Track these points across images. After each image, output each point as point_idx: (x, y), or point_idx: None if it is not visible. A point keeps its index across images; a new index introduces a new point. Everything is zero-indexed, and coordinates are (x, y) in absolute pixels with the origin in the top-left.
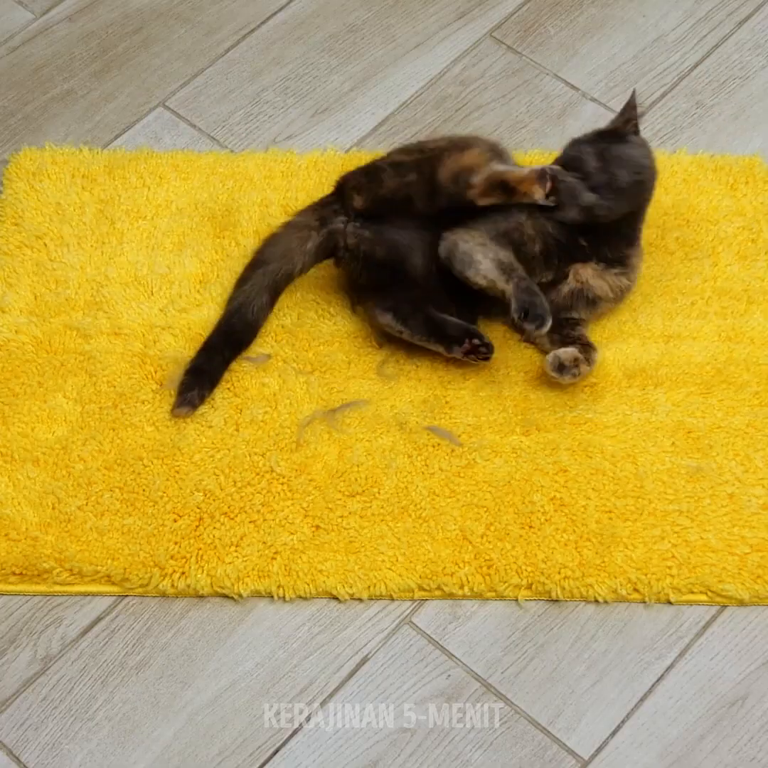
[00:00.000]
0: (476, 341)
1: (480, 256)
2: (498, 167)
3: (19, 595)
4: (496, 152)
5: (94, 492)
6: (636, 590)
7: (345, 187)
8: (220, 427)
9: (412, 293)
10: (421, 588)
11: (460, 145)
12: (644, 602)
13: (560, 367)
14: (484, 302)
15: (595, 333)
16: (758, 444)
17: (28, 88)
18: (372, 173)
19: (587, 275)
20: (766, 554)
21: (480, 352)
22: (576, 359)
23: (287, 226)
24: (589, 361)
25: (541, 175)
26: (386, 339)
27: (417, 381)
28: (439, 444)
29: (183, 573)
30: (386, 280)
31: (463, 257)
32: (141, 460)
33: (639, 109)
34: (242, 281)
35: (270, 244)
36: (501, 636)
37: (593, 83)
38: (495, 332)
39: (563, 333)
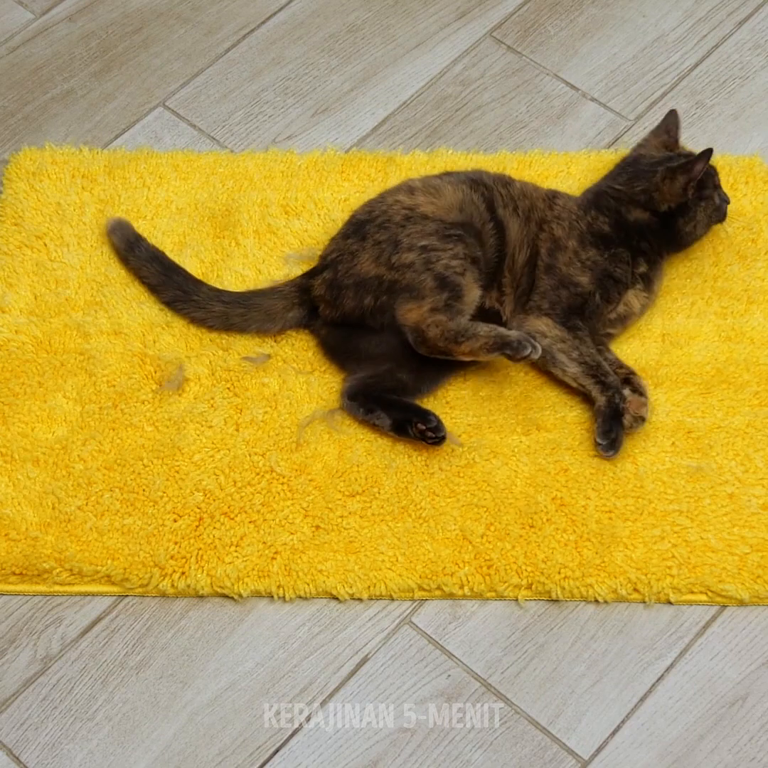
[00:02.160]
0: (421, 426)
1: (564, 358)
2: (458, 338)
3: (19, 595)
4: (452, 292)
5: (94, 492)
6: (636, 590)
7: (313, 287)
8: (220, 427)
9: (375, 371)
10: (421, 588)
11: (413, 289)
12: (644, 602)
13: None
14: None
15: None
16: (758, 444)
17: (28, 88)
18: (335, 288)
19: (631, 296)
20: (765, 554)
21: (428, 438)
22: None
23: (272, 291)
24: (637, 420)
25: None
26: None
27: None
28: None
29: (183, 573)
30: (351, 360)
31: (544, 354)
32: (141, 460)
33: (639, 110)
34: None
35: (256, 295)
36: (501, 636)
37: (593, 83)
38: None
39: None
